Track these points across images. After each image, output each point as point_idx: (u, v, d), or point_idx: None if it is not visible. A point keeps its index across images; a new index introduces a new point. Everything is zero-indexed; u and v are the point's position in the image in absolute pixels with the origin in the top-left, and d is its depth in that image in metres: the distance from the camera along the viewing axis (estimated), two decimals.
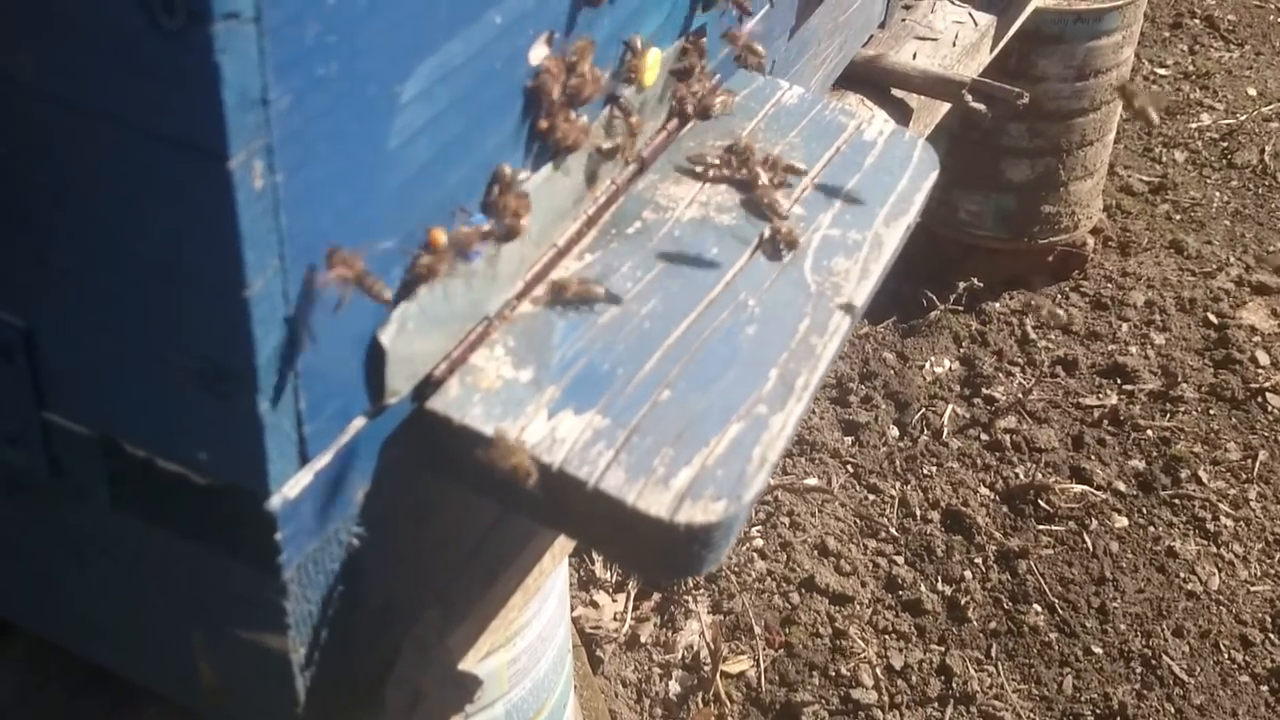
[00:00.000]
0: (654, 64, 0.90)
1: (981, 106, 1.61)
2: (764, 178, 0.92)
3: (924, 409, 2.45)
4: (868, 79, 1.59)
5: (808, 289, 0.86)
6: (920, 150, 1.02)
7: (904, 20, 1.77)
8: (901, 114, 1.62)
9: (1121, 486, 2.31)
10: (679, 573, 0.74)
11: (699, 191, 0.93)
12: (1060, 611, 2.09)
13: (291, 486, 0.65)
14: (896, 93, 1.62)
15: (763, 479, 0.72)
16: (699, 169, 0.94)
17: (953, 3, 1.84)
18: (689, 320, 0.82)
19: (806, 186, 0.96)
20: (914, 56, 1.68)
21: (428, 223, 0.70)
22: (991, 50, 1.92)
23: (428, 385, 0.74)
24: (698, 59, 0.97)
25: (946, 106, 1.75)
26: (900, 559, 2.16)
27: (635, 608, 2.02)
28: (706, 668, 1.94)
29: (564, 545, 1.05)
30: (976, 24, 1.83)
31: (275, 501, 0.64)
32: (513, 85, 0.74)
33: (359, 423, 0.69)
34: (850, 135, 1.02)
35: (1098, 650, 2.04)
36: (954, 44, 1.78)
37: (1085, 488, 2.29)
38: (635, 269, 0.85)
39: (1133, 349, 2.62)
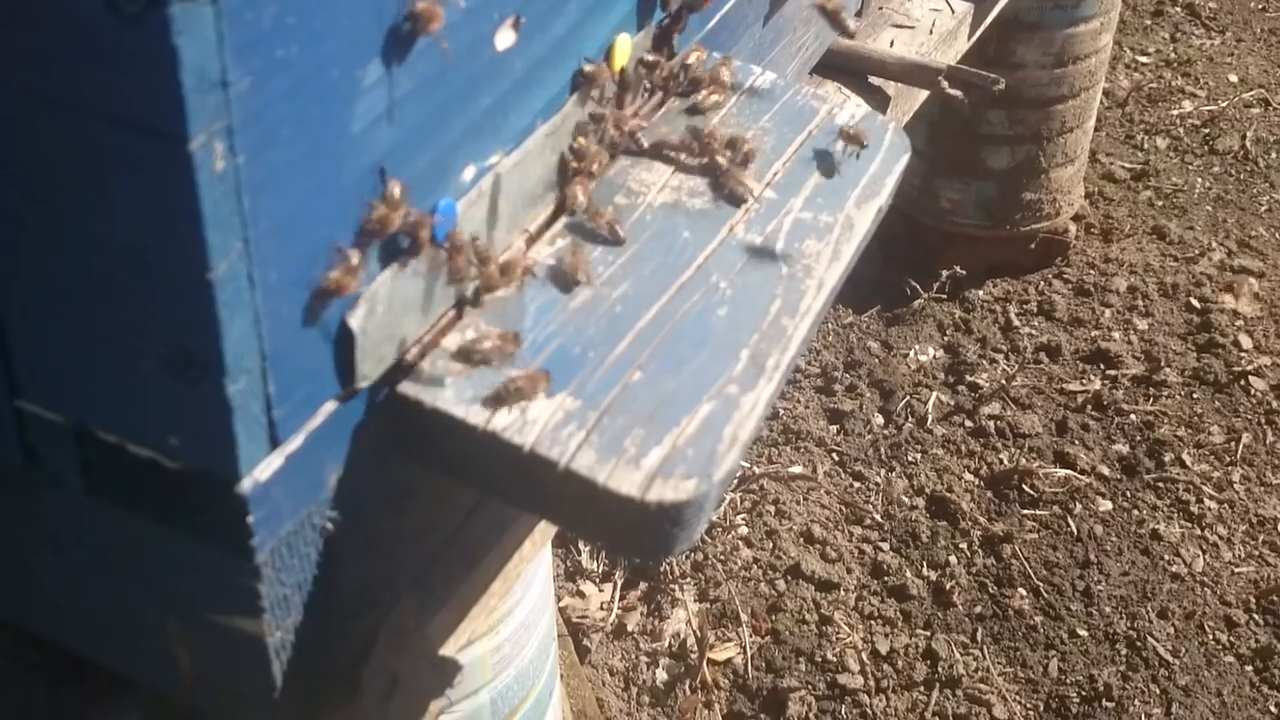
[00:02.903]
0: (624, 50, 0.90)
1: (958, 93, 1.61)
2: (724, 160, 0.92)
3: (908, 396, 2.46)
4: (845, 66, 1.59)
5: (779, 271, 0.87)
6: (891, 134, 1.02)
7: (881, 8, 1.77)
8: (879, 101, 1.63)
9: (1105, 470, 2.32)
10: (652, 552, 0.74)
11: (670, 176, 0.94)
12: (1045, 595, 2.10)
13: (262, 470, 0.66)
14: (874, 80, 1.63)
15: (734, 458, 0.73)
16: (666, 153, 0.94)
17: None
18: (660, 303, 0.82)
19: (778, 171, 0.96)
20: (891, 44, 1.69)
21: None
22: (970, 38, 1.93)
23: (399, 369, 0.74)
24: (669, 46, 0.97)
25: (925, 94, 1.76)
26: (885, 545, 2.17)
27: (622, 597, 2.03)
28: (693, 655, 1.95)
29: (544, 532, 1.06)
30: (954, 11, 1.84)
31: (246, 485, 0.65)
32: (478, 70, 0.74)
33: (330, 406, 0.70)
34: (822, 120, 1.02)
35: (1083, 633, 2.05)
36: (931, 31, 1.78)
37: (1069, 472, 2.30)
38: (607, 253, 0.86)
39: (1116, 334, 2.63)
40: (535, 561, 1.13)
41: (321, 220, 0.64)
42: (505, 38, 0.75)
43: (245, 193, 0.57)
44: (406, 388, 0.74)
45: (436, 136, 0.72)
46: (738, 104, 1.03)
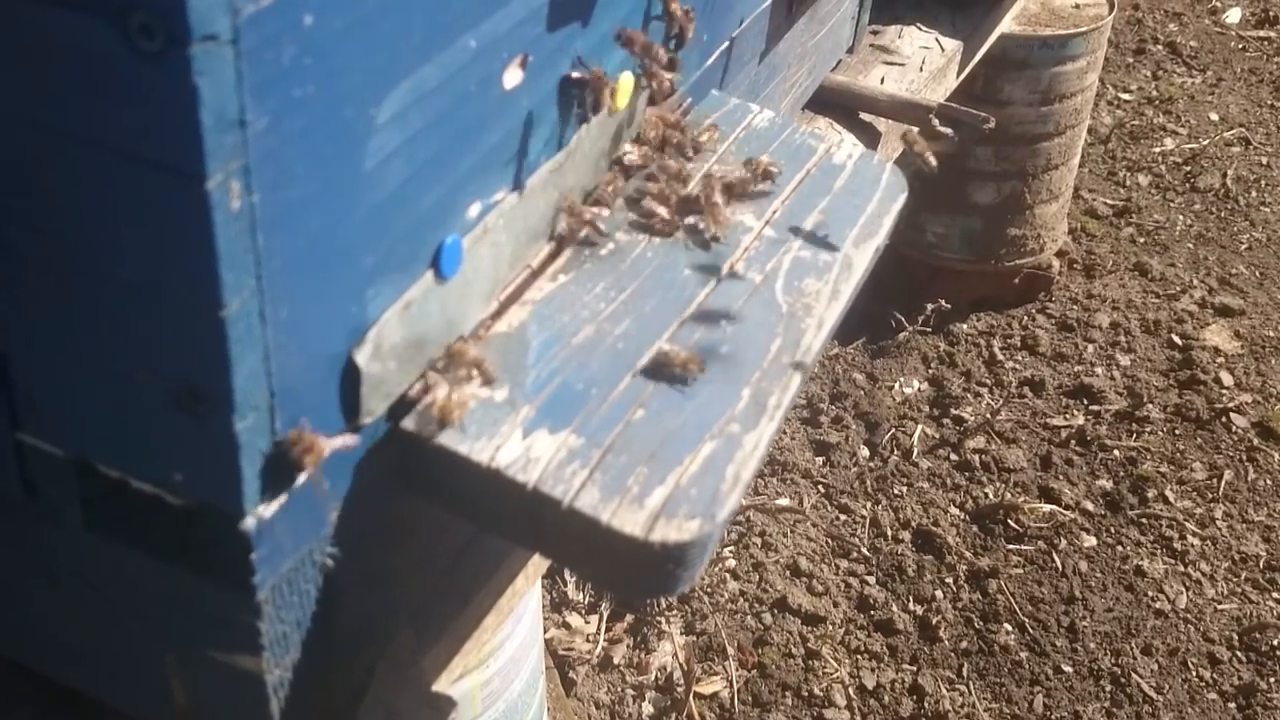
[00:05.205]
0: (626, 88, 0.91)
1: (949, 131, 1.63)
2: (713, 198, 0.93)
3: (894, 429, 2.46)
4: (837, 103, 1.61)
5: (779, 309, 0.87)
6: (889, 173, 1.03)
7: (872, 45, 1.79)
8: (870, 138, 1.64)
9: (1089, 506, 2.33)
10: (654, 592, 0.74)
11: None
12: (1030, 630, 2.10)
13: (266, 507, 0.65)
14: (865, 117, 1.64)
15: (736, 497, 0.73)
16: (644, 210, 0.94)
17: (919, 29, 1.87)
18: (662, 340, 0.83)
19: (777, 209, 0.97)
20: (882, 81, 1.70)
21: (401, 243, 0.71)
22: (958, 75, 1.95)
23: (402, 405, 0.74)
24: (669, 82, 0.97)
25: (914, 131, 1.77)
26: (872, 579, 2.17)
27: (608, 629, 2.02)
28: (680, 689, 1.94)
29: (537, 566, 1.06)
30: (943, 49, 1.86)
31: (250, 522, 0.64)
32: (487, 108, 0.75)
33: (334, 442, 0.70)
34: (820, 158, 1.03)
35: (1068, 669, 2.05)
36: (921, 69, 1.80)
37: (1054, 507, 2.31)
38: (609, 289, 0.86)
39: (1099, 370, 2.64)
40: (526, 595, 1.13)
41: (332, 257, 0.64)
42: (513, 76, 0.76)
43: (260, 230, 0.57)
44: (410, 424, 0.73)
45: (444, 173, 0.72)
46: (735, 143, 1.04)
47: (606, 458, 0.73)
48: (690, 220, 0.93)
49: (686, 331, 0.84)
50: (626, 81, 0.91)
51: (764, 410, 0.79)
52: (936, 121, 1.59)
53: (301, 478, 0.66)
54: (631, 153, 0.94)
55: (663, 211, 0.92)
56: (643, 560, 0.70)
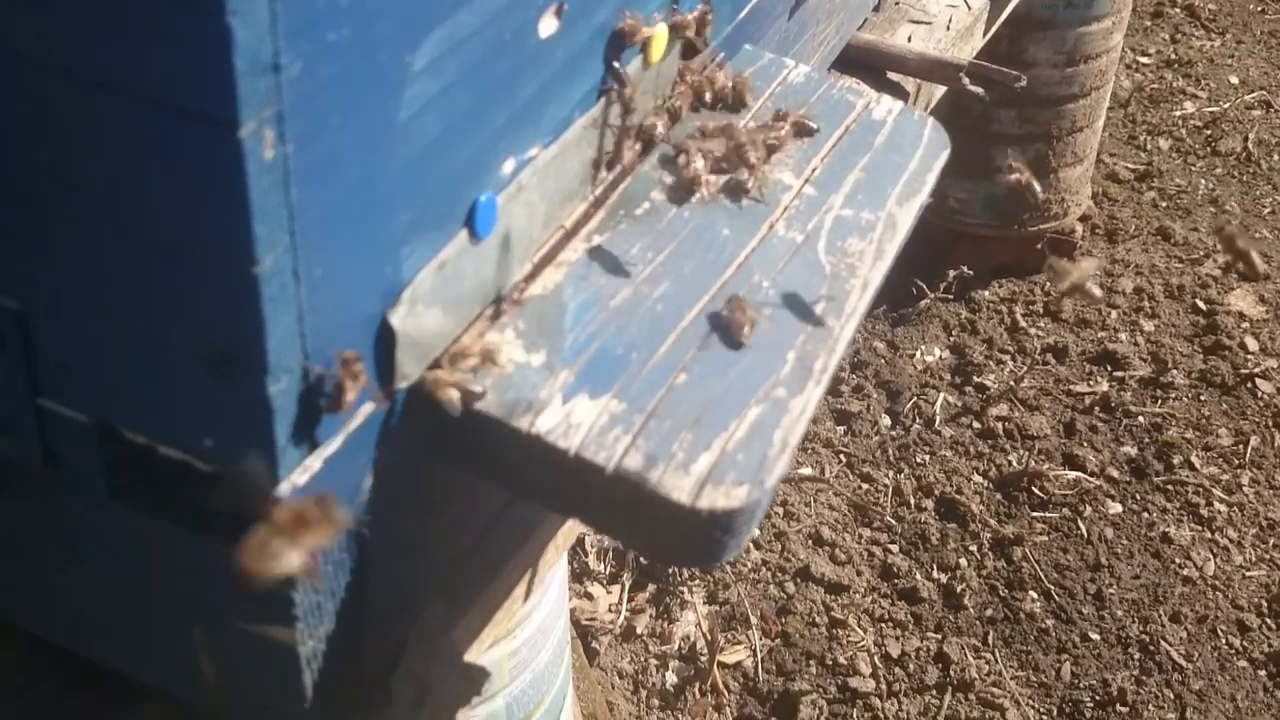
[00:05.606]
0: (660, 41, 0.88)
1: (980, 90, 1.59)
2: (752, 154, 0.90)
3: (915, 398, 2.43)
4: (864, 62, 1.57)
5: (822, 270, 0.84)
6: (930, 129, 1.00)
7: (898, 4, 1.75)
8: (898, 97, 1.60)
9: (1114, 473, 2.30)
10: (700, 560, 0.72)
11: (708, 173, 0.91)
12: (1056, 598, 2.08)
13: (301, 473, 0.63)
14: (892, 76, 1.61)
15: (784, 463, 0.70)
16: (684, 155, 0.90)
17: None
18: (702, 302, 0.80)
19: (817, 166, 0.94)
20: (909, 40, 1.67)
21: (435, 200, 0.68)
22: (985, 34, 1.91)
23: (439, 369, 0.71)
24: (701, 35, 0.94)
25: (941, 90, 1.73)
26: (895, 547, 2.15)
27: (630, 599, 2.00)
28: (703, 658, 1.92)
29: (567, 536, 1.03)
30: (970, 8, 1.82)
31: (284, 488, 0.62)
32: (521, 58, 0.72)
33: (368, 407, 0.67)
34: (859, 114, 1.00)
35: (1095, 636, 2.03)
36: (948, 27, 1.76)
37: (1078, 474, 2.28)
38: (646, 250, 0.83)
39: (1122, 336, 2.61)
40: (554, 566, 1.10)
41: (367, 213, 0.61)
42: (548, 25, 0.73)
43: (293, 183, 0.54)
44: None
45: (479, 127, 0.69)
46: (771, 98, 1.00)
47: (650, 423, 0.70)
48: (727, 178, 0.90)
49: (727, 294, 0.81)
50: (661, 34, 0.87)
51: (810, 374, 0.76)
52: (968, 80, 1.55)
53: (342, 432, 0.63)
54: (667, 102, 0.91)
55: (698, 167, 0.89)
56: (689, 527, 0.67)
